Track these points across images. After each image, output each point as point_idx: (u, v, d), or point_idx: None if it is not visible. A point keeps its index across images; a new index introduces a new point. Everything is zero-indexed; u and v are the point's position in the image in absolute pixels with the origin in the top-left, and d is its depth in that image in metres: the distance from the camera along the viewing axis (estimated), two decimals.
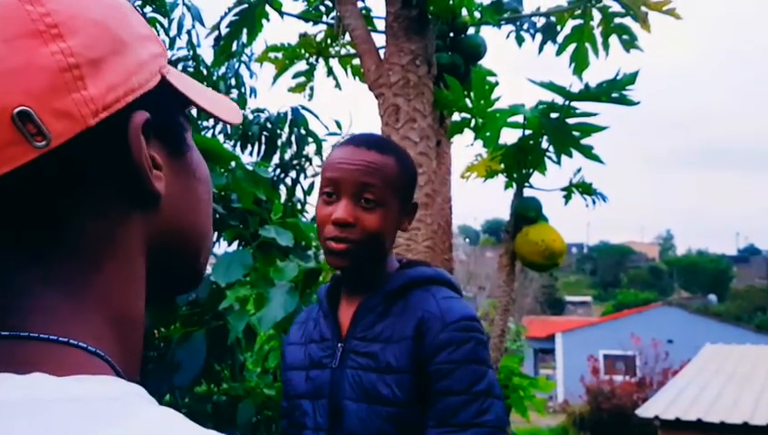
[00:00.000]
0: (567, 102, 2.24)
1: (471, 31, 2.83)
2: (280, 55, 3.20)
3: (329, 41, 3.20)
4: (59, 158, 0.41)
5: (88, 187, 0.44)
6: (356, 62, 3.17)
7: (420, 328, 1.24)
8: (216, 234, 2.63)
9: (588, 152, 2.33)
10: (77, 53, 0.42)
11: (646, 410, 9.08)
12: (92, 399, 0.37)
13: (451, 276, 1.39)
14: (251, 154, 3.87)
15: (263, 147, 3.88)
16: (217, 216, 2.59)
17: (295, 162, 3.85)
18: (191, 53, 4.25)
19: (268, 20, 3.13)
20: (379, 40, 2.58)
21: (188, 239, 0.52)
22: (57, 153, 0.41)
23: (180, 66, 4.19)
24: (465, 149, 3.06)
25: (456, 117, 2.58)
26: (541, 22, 3.16)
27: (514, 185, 2.48)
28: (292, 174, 3.86)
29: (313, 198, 3.79)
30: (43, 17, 0.42)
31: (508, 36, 3.23)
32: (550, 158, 2.41)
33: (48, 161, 0.41)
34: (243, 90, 4.43)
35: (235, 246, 2.81)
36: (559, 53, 2.97)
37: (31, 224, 0.43)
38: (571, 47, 2.92)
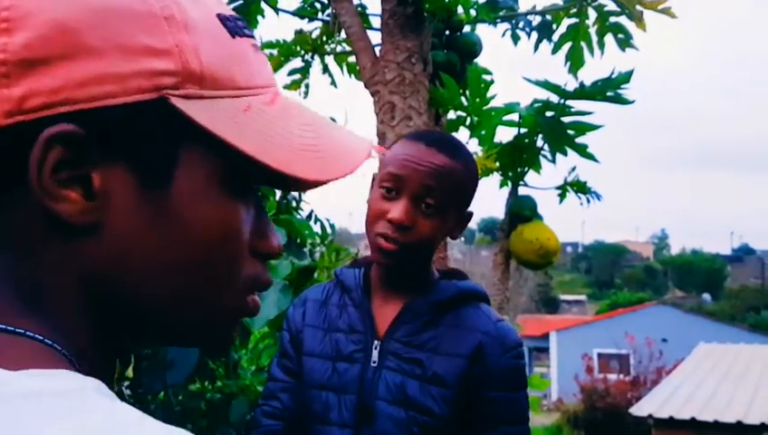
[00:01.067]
0: (562, 101, 2.24)
1: (467, 29, 2.83)
2: (275, 52, 3.20)
3: (324, 38, 3.19)
4: None
5: (4, 192, 0.42)
6: (351, 59, 3.17)
7: (479, 350, 1.23)
8: None
9: (583, 151, 2.33)
10: (11, 51, 0.40)
11: (640, 409, 9.10)
12: (44, 393, 0.36)
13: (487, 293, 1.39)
14: None
15: None
16: None
17: None
18: None
19: (263, 16, 3.13)
20: (375, 37, 2.58)
21: (139, 289, 0.45)
22: None
23: None
24: None
25: (451, 115, 2.58)
26: (536, 20, 3.16)
27: (509, 183, 2.48)
28: None
29: (307, 196, 3.78)
30: (2, 10, 0.41)
31: (504, 35, 3.23)
32: (545, 156, 2.42)
33: None
34: None
35: None
36: (554, 51, 2.97)
37: None
38: (567, 46, 2.92)
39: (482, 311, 1.30)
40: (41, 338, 0.40)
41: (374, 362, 1.24)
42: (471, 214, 1.32)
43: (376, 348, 1.25)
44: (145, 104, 0.43)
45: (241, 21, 0.49)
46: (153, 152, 0.44)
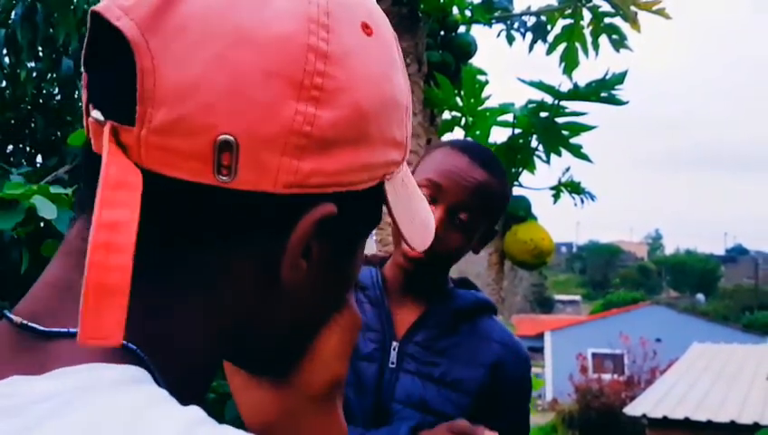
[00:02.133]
0: (556, 102, 2.25)
1: (462, 29, 2.83)
2: None
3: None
4: (225, 199, 0.39)
5: (229, 236, 0.42)
6: None
7: (499, 362, 1.26)
8: None
9: (577, 151, 2.34)
10: (318, 126, 0.40)
11: (634, 409, 9.13)
12: (54, 395, 0.35)
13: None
14: None
15: None
16: None
17: None
18: None
19: None
20: None
21: (287, 329, 0.48)
22: (227, 194, 0.39)
23: None
24: None
25: (446, 115, 2.59)
26: (531, 21, 3.17)
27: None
28: None
29: None
30: (315, 74, 0.39)
31: (499, 35, 3.24)
32: (539, 157, 2.42)
33: (213, 195, 0.39)
34: None
35: None
36: (549, 52, 2.98)
37: (155, 237, 0.40)
38: (561, 47, 2.93)
39: (497, 323, 1.33)
40: (134, 348, 0.39)
41: (392, 364, 1.24)
42: (496, 232, 1.33)
43: (394, 349, 1.25)
44: (371, 188, 0.45)
45: None
46: (354, 229, 0.47)
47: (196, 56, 0.37)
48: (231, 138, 0.37)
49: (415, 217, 0.51)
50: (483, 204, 1.21)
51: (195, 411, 0.36)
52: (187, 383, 0.42)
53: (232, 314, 0.44)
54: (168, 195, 0.39)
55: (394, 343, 1.25)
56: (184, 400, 0.38)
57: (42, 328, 0.39)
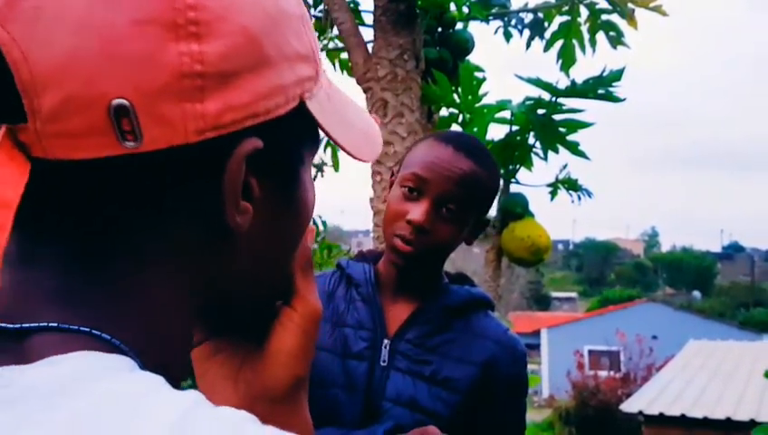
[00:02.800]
0: (554, 98, 2.25)
1: (459, 26, 2.83)
2: None
3: (317, 34, 3.19)
4: (146, 162, 0.38)
5: (164, 199, 0.40)
6: (344, 55, 3.16)
7: (492, 359, 1.24)
8: None
9: (574, 148, 2.34)
10: (208, 62, 0.38)
11: (630, 406, 9.16)
12: (50, 382, 0.35)
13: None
14: None
15: None
16: None
17: None
18: None
19: None
20: (368, 34, 2.57)
21: (262, 277, 0.47)
22: (145, 157, 0.38)
23: None
24: None
25: (443, 112, 2.59)
26: (528, 18, 3.16)
27: (501, 180, 2.48)
28: None
29: None
30: (186, 9, 0.37)
31: (496, 32, 3.23)
32: (536, 154, 2.42)
33: (133, 162, 0.38)
34: None
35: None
36: (546, 49, 2.98)
37: (93, 217, 0.39)
38: (559, 43, 2.93)
39: (492, 319, 1.30)
40: (86, 330, 0.38)
41: (384, 362, 1.22)
42: (488, 221, 1.32)
43: (386, 347, 1.23)
44: (293, 110, 0.43)
45: None
46: (291, 158, 0.46)
47: (60, 31, 0.36)
48: (123, 101, 0.36)
49: (351, 130, 0.49)
50: (470, 194, 1.20)
51: (194, 395, 0.36)
52: (167, 366, 0.41)
53: (194, 279, 0.43)
54: (87, 179, 0.38)
55: (385, 341, 1.24)
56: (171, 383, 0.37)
57: (13, 326, 0.38)
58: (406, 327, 1.25)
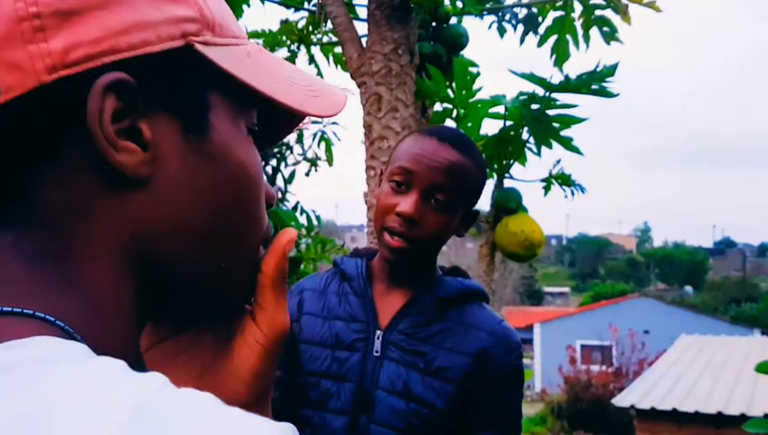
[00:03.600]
0: (548, 94, 2.25)
1: (453, 21, 2.83)
2: (261, 42, 3.18)
3: (310, 28, 3.18)
4: (16, 117, 0.38)
5: (50, 154, 0.40)
6: (338, 50, 3.15)
7: (485, 350, 1.24)
8: None
9: (567, 144, 2.34)
10: (42, 3, 0.38)
11: (622, 400, 9.19)
12: (13, 366, 0.34)
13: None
14: None
15: None
16: None
17: (276, 150, 3.83)
18: None
19: (249, 5, 3.11)
20: (362, 28, 2.57)
21: (187, 238, 0.45)
22: (13, 111, 0.37)
23: None
24: None
25: (437, 107, 2.58)
26: (522, 13, 3.16)
27: (495, 176, 2.49)
28: (273, 162, 3.85)
29: (293, 187, 3.78)
30: None
31: (490, 27, 3.23)
32: (530, 149, 2.43)
33: (5, 119, 0.37)
34: None
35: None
36: (540, 44, 2.98)
37: None
38: (553, 39, 2.93)
39: (486, 310, 1.31)
40: (42, 315, 0.37)
41: (377, 352, 1.24)
42: (477, 212, 1.33)
43: (378, 338, 1.25)
44: (175, 52, 0.42)
45: None
46: (188, 99, 0.44)
47: None
48: None
49: (286, 84, 0.48)
50: (457, 183, 1.21)
51: (158, 377, 0.36)
52: (121, 350, 0.40)
53: (115, 234, 0.42)
54: None
55: (378, 332, 1.25)
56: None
57: None
58: (398, 318, 1.26)
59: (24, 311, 0.37)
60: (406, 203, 1.19)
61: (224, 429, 0.33)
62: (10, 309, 0.37)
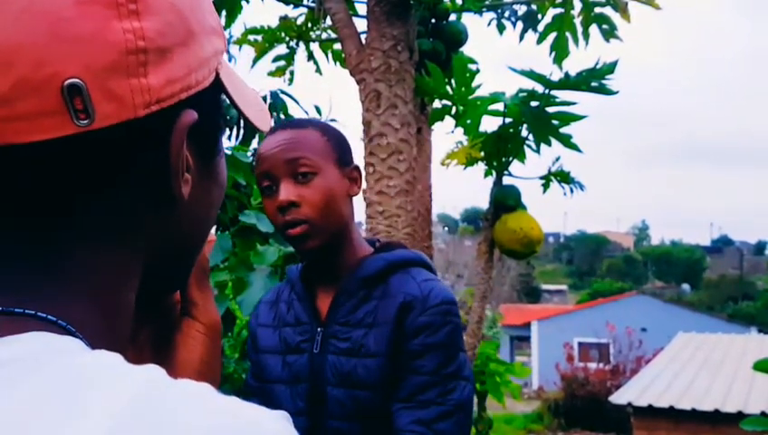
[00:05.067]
0: (547, 91, 2.25)
1: (452, 17, 2.82)
2: (260, 38, 3.18)
3: (309, 24, 3.17)
4: (95, 140, 0.39)
5: (113, 176, 0.41)
6: (337, 46, 3.15)
7: (402, 311, 1.24)
8: None
9: (566, 141, 2.34)
10: (148, 38, 0.39)
11: (619, 397, 9.20)
12: (9, 360, 0.35)
13: (428, 259, 1.39)
14: (229, 138, 3.85)
15: (241, 131, 3.86)
16: None
17: None
18: None
19: (248, 1, 3.11)
20: (361, 25, 2.57)
21: (193, 243, 0.50)
22: (94, 136, 0.38)
23: None
24: (446, 136, 3.06)
25: (436, 104, 2.58)
26: (522, 10, 3.16)
27: (494, 173, 2.49)
28: None
29: None
30: None
31: (489, 24, 3.23)
32: (529, 146, 2.43)
33: (83, 141, 0.38)
34: None
35: (213, 230, 2.79)
36: (539, 41, 2.98)
37: (42, 201, 0.40)
38: (552, 36, 2.93)
39: (410, 275, 1.30)
40: (43, 315, 0.38)
41: (316, 350, 1.28)
42: (357, 167, 1.35)
43: (319, 335, 1.29)
44: (212, 83, 0.45)
45: None
46: (213, 126, 0.48)
47: (4, 18, 0.36)
48: (75, 80, 0.37)
49: (248, 101, 0.51)
50: (307, 151, 1.25)
51: (155, 369, 0.36)
52: (113, 346, 0.41)
53: (138, 255, 0.44)
54: (34, 161, 0.39)
55: (319, 330, 1.29)
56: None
57: None
58: (332, 311, 1.30)
59: (26, 311, 0.38)
60: (280, 195, 1.24)
61: (223, 417, 0.34)
62: (12, 309, 0.38)
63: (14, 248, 0.40)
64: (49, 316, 0.38)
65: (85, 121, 0.37)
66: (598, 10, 2.85)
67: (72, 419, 0.32)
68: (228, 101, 0.48)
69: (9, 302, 0.38)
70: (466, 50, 2.84)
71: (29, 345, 0.36)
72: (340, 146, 1.31)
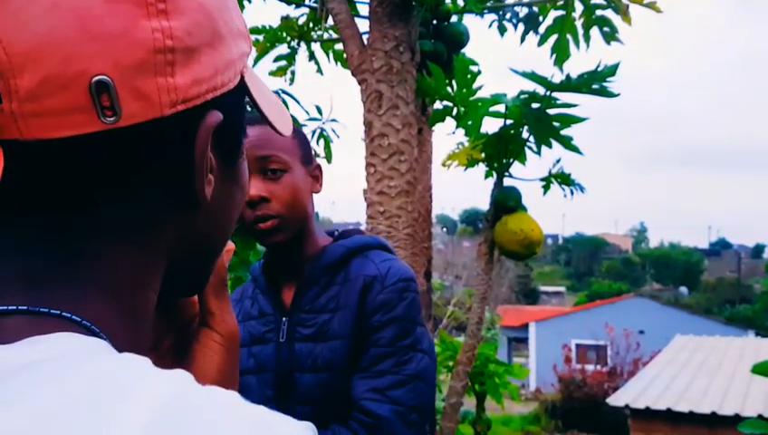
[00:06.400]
0: (548, 93, 2.25)
1: (454, 19, 2.83)
2: (261, 38, 3.18)
3: (311, 24, 3.18)
4: (120, 138, 0.39)
5: (136, 174, 0.41)
6: (339, 46, 3.15)
7: (363, 293, 1.29)
8: None
9: (567, 143, 2.35)
10: (176, 37, 0.39)
11: (616, 399, 9.21)
12: (40, 361, 0.34)
13: (385, 241, 1.45)
14: None
15: None
16: None
17: None
18: None
19: (250, 1, 3.11)
20: (363, 25, 2.57)
21: (213, 246, 0.50)
22: (120, 133, 0.38)
23: None
24: (447, 137, 3.07)
25: (438, 105, 2.59)
26: (523, 12, 3.17)
27: (495, 174, 2.49)
28: None
29: None
30: None
31: (491, 26, 3.23)
32: (530, 148, 2.43)
33: (109, 139, 0.38)
34: None
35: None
36: (540, 43, 2.98)
37: (65, 197, 0.40)
38: (553, 38, 2.93)
39: (368, 258, 1.35)
40: (68, 315, 0.38)
41: (282, 338, 1.32)
42: (319, 165, 1.40)
43: (284, 324, 1.33)
44: (237, 85, 0.45)
45: None
46: (236, 128, 0.48)
47: (35, 12, 0.36)
48: (103, 77, 0.37)
49: (271, 104, 0.51)
50: (276, 149, 1.29)
51: (184, 375, 0.36)
52: (135, 348, 0.41)
53: (161, 253, 0.44)
54: (60, 158, 0.39)
55: (284, 319, 1.34)
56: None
57: None
58: (296, 300, 1.34)
59: (51, 311, 0.38)
60: (250, 190, 1.26)
61: (249, 426, 0.34)
62: (37, 309, 0.38)
63: (35, 245, 0.40)
64: (74, 316, 0.38)
65: (112, 119, 0.37)
66: (599, 12, 2.86)
67: (104, 424, 0.31)
68: (251, 104, 0.48)
69: (32, 299, 0.38)
70: (468, 51, 2.85)
71: (57, 347, 0.36)
72: (304, 145, 1.37)
